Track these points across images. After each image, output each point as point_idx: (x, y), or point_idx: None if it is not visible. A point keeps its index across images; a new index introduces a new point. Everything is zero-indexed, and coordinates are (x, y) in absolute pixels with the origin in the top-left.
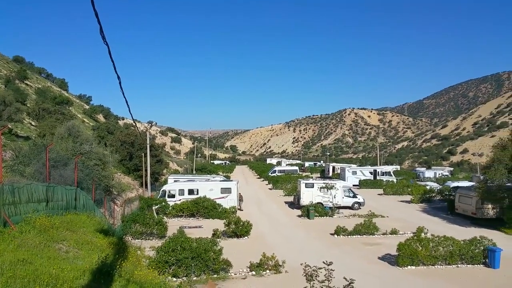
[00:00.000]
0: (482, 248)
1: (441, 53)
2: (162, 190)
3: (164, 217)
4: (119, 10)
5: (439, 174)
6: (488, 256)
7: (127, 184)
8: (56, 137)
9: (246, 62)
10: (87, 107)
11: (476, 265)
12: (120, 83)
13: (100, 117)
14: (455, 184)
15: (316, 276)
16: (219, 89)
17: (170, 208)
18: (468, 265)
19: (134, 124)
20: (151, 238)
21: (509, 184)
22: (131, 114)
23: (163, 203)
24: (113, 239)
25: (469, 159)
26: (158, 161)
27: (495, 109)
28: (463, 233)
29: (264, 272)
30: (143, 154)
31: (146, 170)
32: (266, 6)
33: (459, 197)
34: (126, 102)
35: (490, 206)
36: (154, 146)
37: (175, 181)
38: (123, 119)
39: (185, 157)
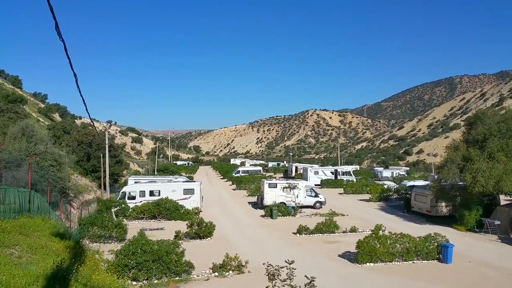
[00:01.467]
0: (436, 244)
1: (398, 56)
2: (122, 192)
3: (124, 220)
4: (76, 4)
5: (396, 173)
6: (441, 252)
7: (84, 186)
8: (9, 136)
9: (209, 62)
10: (42, 105)
11: (430, 261)
12: (76, 80)
13: (56, 116)
14: (411, 183)
15: (278, 275)
16: (182, 89)
17: (130, 210)
18: (423, 261)
19: (91, 123)
20: (110, 241)
21: (461, 183)
22: (88, 113)
23: (122, 205)
24: (70, 243)
25: (424, 159)
26: (118, 161)
27: (449, 111)
28: (419, 230)
29: (227, 273)
30: (101, 155)
31: (104, 171)
32: (226, 6)
33: (415, 196)
34: (83, 100)
35: (443, 204)
36: (114, 146)
37: (135, 182)
38: (80, 118)
39: (145, 158)
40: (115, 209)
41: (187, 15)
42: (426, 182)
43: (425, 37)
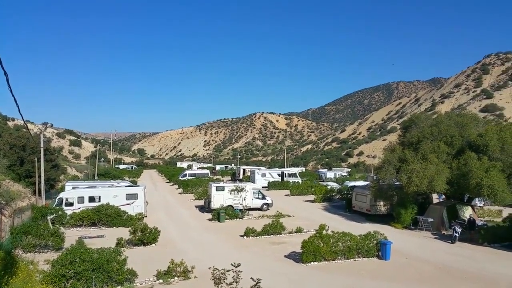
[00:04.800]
0: (376, 242)
1: (341, 62)
2: (59, 198)
3: (61, 228)
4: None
5: (338, 174)
6: (380, 249)
7: (17, 192)
8: None
9: (153, 63)
10: None
11: (371, 258)
12: (7, 80)
13: None
14: (352, 183)
15: (224, 279)
16: (125, 90)
17: (67, 217)
18: (364, 258)
19: (25, 125)
20: (46, 250)
21: (397, 183)
22: (21, 114)
23: (59, 212)
24: (0, 254)
25: (364, 160)
26: (54, 166)
27: (386, 115)
28: (360, 228)
29: (172, 279)
30: (36, 159)
31: (39, 177)
32: (169, 5)
33: (356, 196)
34: (15, 101)
35: (382, 203)
36: (49, 150)
37: (73, 187)
38: (13, 120)
39: (82, 162)
40: (51, 216)
41: (125, 13)
42: (366, 183)
43: (364, 43)
